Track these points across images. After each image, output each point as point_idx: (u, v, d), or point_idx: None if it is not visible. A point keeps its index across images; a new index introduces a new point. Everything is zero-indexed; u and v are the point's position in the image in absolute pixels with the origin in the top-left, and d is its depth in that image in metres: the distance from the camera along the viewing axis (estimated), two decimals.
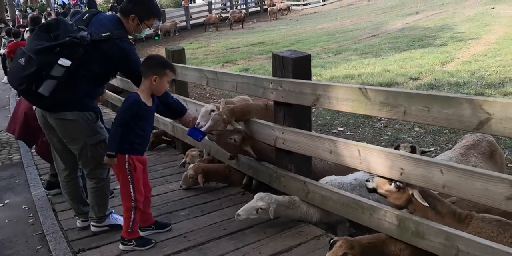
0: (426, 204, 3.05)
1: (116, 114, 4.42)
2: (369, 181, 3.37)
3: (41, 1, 45.32)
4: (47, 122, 4.03)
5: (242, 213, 4.03)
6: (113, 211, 4.43)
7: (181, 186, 5.29)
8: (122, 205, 3.96)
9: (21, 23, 20.33)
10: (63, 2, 40.52)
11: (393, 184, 3.18)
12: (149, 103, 3.88)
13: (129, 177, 3.85)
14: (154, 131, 6.93)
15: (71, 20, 4.03)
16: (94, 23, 3.88)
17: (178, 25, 30.31)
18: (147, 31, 4.22)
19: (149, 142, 6.66)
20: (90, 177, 4.20)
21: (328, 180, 4.05)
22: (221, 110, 4.55)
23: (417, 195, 3.08)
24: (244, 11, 36.41)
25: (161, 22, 29.65)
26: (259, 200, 4.02)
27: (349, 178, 4.08)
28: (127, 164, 3.82)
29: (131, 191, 3.87)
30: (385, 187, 3.25)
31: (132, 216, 3.92)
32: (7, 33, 13.34)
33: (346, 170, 4.24)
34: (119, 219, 4.36)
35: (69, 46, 3.60)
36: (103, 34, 3.77)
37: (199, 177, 5.06)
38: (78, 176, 4.38)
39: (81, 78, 3.80)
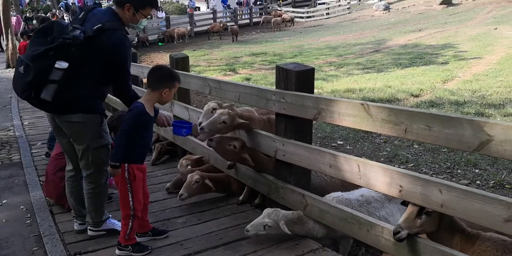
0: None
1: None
2: (399, 232, 3.04)
3: (45, 2, 45.27)
4: (57, 124, 4.06)
5: (251, 229, 4.02)
6: (110, 216, 4.43)
7: (180, 195, 4.93)
8: (121, 212, 3.96)
9: None
10: (65, 4, 40.40)
11: (424, 215, 3.03)
12: (152, 113, 3.90)
13: (128, 186, 3.85)
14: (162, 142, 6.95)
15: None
16: (90, 19, 3.86)
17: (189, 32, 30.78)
18: (145, 22, 4.16)
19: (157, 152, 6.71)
20: (88, 181, 4.18)
21: (335, 196, 4.02)
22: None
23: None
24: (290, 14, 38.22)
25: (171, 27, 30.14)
26: (266, 216, 4.00)
27: (356, 194, 4.06)
28: (126, 173, 3.82)
29: (130, 199, 3.87)
30: (417, 223, 3.05)
31: (130, 223, 3.92)
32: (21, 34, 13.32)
33: (341, 186, 4.29)
34: (116, 224, 4.36)
35: (62, 48, 3.59)
36: (95, 27, 3.72)
37: (207, 182, 4.94)
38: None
39: (83, 78, 3.79)
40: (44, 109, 4.02)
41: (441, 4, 33.58)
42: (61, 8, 38.58)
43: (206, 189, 5.03)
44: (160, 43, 29.49)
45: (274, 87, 4.31)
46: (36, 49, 3.64)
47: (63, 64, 3.59)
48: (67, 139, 4.13)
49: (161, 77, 3.85)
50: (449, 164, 6.71)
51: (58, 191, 4.88)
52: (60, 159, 4.85)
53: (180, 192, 4.99)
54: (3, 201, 5.59)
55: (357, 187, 3.98)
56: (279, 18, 36.19)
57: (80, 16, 3.94)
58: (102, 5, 38.56)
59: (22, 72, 3.65)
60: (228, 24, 33.56)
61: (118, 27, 3.87)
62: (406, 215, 3.10)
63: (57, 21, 3.96)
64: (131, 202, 3.87)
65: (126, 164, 3.81)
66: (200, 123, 4.70)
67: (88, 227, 4.36)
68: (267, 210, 4.06)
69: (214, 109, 4.84)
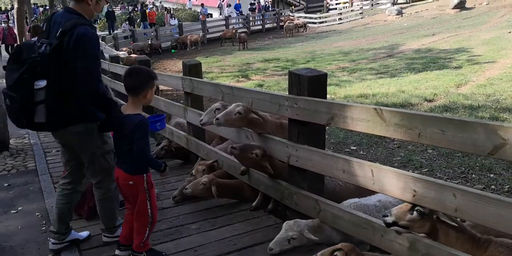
0: (455, 224, 3.03)
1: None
2: (387, 216, 3.19)
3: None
4: (60, 138, 4.07)
5: (275, 247, 3.94)
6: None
7: (185, 189, 5.07)
8: (135, 222, 3.91)
9: None
10: None
11: (415, 212, 3.08)
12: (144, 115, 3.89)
13: (147, 195, 3.85)
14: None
15: None
16: (53, 28, 3.78)
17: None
18: (106, 8, 4.07)
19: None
20: (98, 187, 4.20)
21: (352, 202, 3.99)
22: None
23: (444, 217, 3.03)
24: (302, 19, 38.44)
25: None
26: (288, 230, 3.94)
27: (373, 199, 4.02)
28: (145, 183, 3.82)
29: (148, 207, 3.86)
30: (406, 217, 3.12)
31: (147, 231, 3.91)
32: None
33: (355, 191, 4.27)
34: None
35: (34, 67, 3.54)
36: (57, 34, 3.63)
37: (213, 189, 4.92)
38: (79, 191, 4.34)
39: (67, 89, 3.71)
40: (43, 130, 4.00)
41: (454, 8, 33.42)
42: None
43: (210, 194, 4.99)
44: (173, 50, 29.65)
45: (287, 93, 4.31)
46: (12, 78, 3.61)
47: (41, 83, 3.55)
48: (71, 150, 4.12)
49: (140, 81, 3.76)
50: (463, 168, 6.66)
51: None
52: None
53: (186, 186, 5.08)
54: (19, 208, 5.62)
55: (371, 191, 3.96)
56: (291, 24, 36.21)
57: (44, 28, 3.89)
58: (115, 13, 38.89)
59: (9, 104, 3.66)
60: (240, 30, 33.61)
61: (79, 23, 3.68)
62: (401, 206, 3.20)
63: (24, 43, 3.89)
64: (149, 210, 3.87)
65: (144, 175, 3.82)
66: (201, 120, 4.72)
67: (103, 234, 4.39)
68: (287, 223, 4.00)
69: (218, 109, 4.87)
